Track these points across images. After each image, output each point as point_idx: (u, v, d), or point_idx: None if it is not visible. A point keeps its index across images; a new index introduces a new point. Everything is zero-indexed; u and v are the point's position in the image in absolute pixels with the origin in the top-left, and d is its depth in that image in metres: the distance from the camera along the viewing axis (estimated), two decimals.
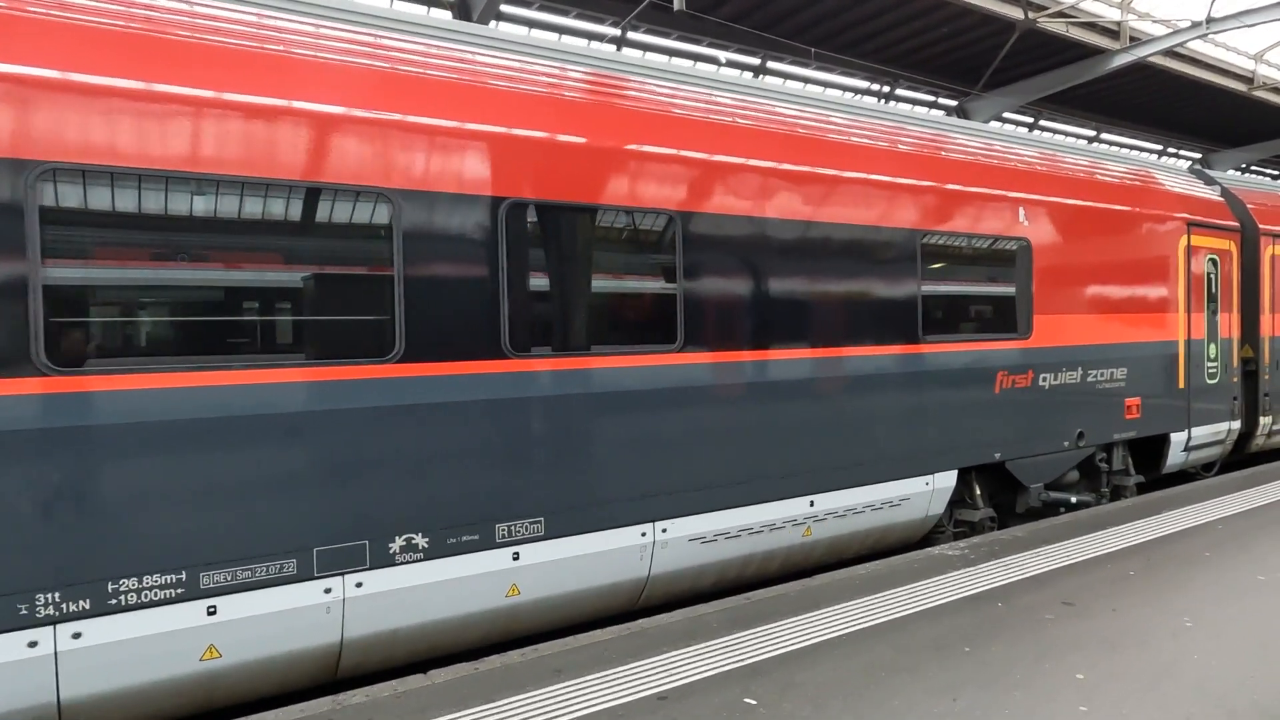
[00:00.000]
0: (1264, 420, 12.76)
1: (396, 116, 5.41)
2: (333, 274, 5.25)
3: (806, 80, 23.27)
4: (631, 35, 20.08)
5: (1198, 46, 24.98)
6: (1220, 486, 10.27)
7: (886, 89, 24.64)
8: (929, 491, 8.33)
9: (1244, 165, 35.41)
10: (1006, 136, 9.66)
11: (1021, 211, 9.11)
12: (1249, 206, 12.73)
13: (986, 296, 8.88)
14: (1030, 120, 28.75)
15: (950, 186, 8.46)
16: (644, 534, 6.47)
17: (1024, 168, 9.38)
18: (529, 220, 5.92)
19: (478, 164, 5.68)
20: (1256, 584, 6.38)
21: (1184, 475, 12.78)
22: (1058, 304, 9.48)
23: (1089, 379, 9.85)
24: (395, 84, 5.53)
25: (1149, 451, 11.14)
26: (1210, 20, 20.58)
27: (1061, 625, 5.58)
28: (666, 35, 21.51)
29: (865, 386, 7.74)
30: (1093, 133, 30.89)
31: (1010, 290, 9.08)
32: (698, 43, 21.85)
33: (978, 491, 9.07)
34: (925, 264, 8.23)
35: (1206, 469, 13.20)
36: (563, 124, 6.12)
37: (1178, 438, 11.10)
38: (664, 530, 6.57)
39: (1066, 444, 9.64)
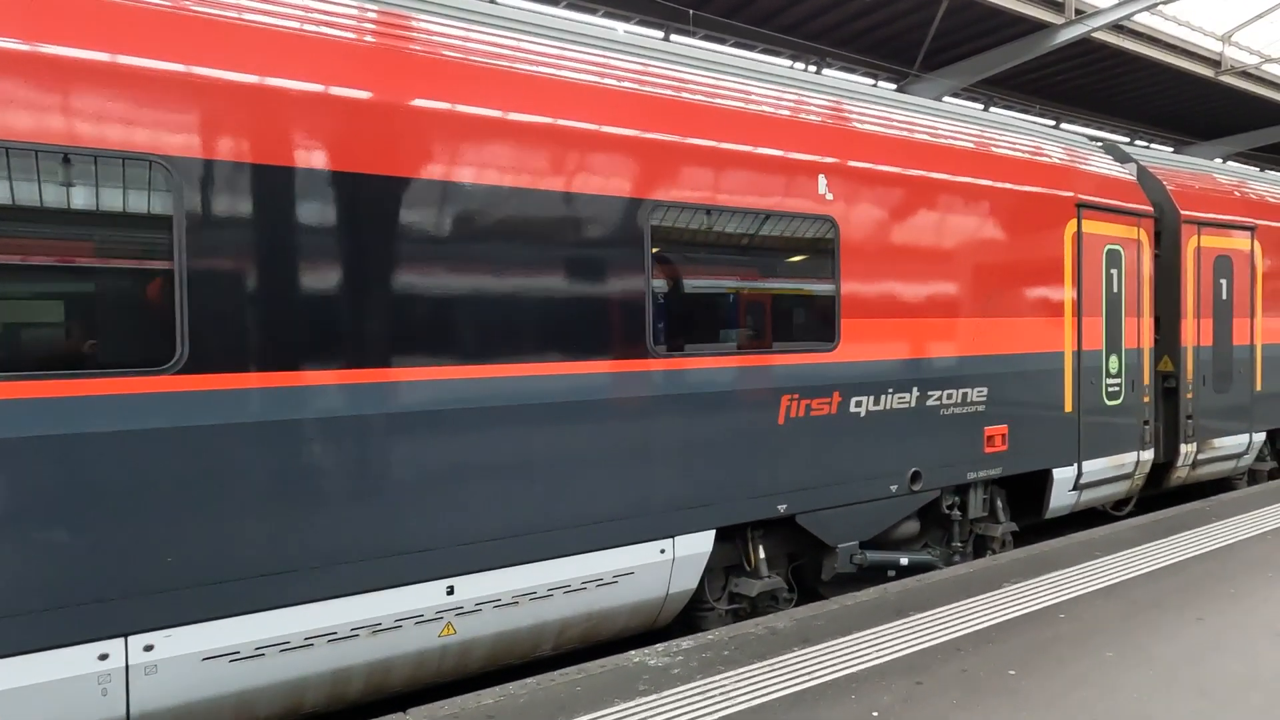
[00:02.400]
0: (1186, 448, 10.42)
1: None
2: None
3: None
4: (507, 0, 17.80)
5: (1159, 25, 22.72)
6: (1102, 542, 7.93)
7: (813, 68, 22.36)
8: (666, 561, 6.01)
9: (1223, 158, 33.05)
10: (802, 81, 7.31)
11: (823, 181, 6.78)
12: (1169, 188, 10.39)
13: (765, 293, 6.56)
14: (981, 106, 26.43)
15: (702, 142, 6.13)
16: (105, 656, 4.15)
17: (832, 123, 7.05)
18: None
19: None
20: None
21: (1095, 516, 10.46)
22: (881, 305, 7.15)
23: (929, 402, 7.52)
24: None
25: (1036, 490, 8.82)
26: None
27: None
28: (555, 2, 19.25)
29: (548, 419, 5.42)
30: (1052, 121, 28.59)
31: (806, 285, 6.77)
32: (593, 13, 19.60)
33: (760, 555, 6.75)
34: (660, 248, 5.92)
35: (1120, 507, 10.87)
36: None
37: (1063, 474, 8.76)
38: (148, 649, 4.25)
39: (895, 488, 7.32)
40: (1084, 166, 9.16)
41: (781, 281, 6.62)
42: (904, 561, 7.45)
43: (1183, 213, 10.25)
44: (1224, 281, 10.76)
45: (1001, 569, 7.07)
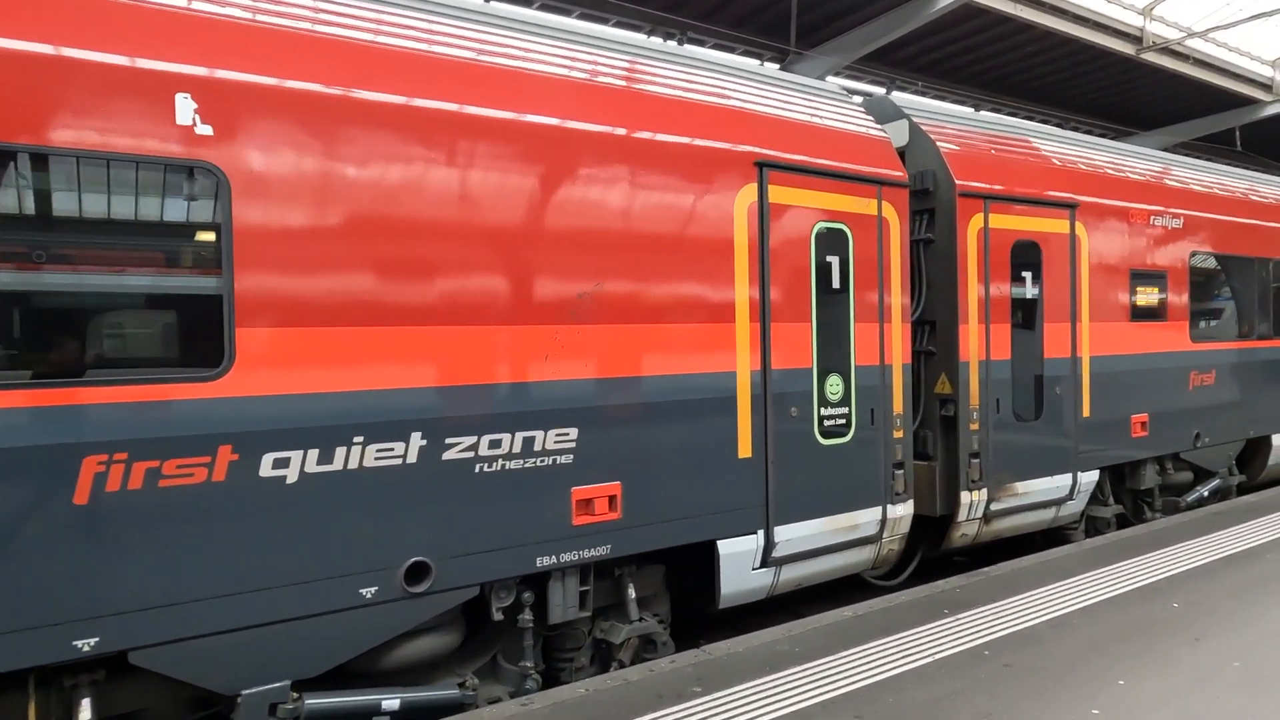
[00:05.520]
0: (971, 497, 7.69)
1: None
2: None
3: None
4: None
5: None
6: (730, 664, 5.16)
7: (673, 42, 19.72)
8: None
9: (1166, 149, 30.34)
10: None
11: (187, 106, 4.11)
12: (943, 150, 7.70)
13: (41, 291, 3.90)
14: (883, 90, 23.76)
15: None
16: None
17: (213, 13, 4.38)
18: None
19: None
20: None
21: (860, 585, 7.78)
22: (328, 306, 4.45)
23: (448, 455, 4.82)
24: None
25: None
26: None
27: None
28: None
29: None
30: (971, 109, 25.89)
31: (147, 278, 4.11)
32: None
33: (84, 714, 4.07)
34: None
35: (895, 573, 8.17)
36: None
37: (737, 546, 6.04)
38: None
39: (372, 591, 4.61)
40: (774, 111, 6.47)
41: (84, 271, 3.95)
42: (391, 705, 4.75)
43: (959, 183, 7.55)
44: (1029, 275, 8.06)
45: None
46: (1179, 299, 9.53)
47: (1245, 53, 24.29)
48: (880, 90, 24.47)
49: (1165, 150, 30.25)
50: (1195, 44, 22.56)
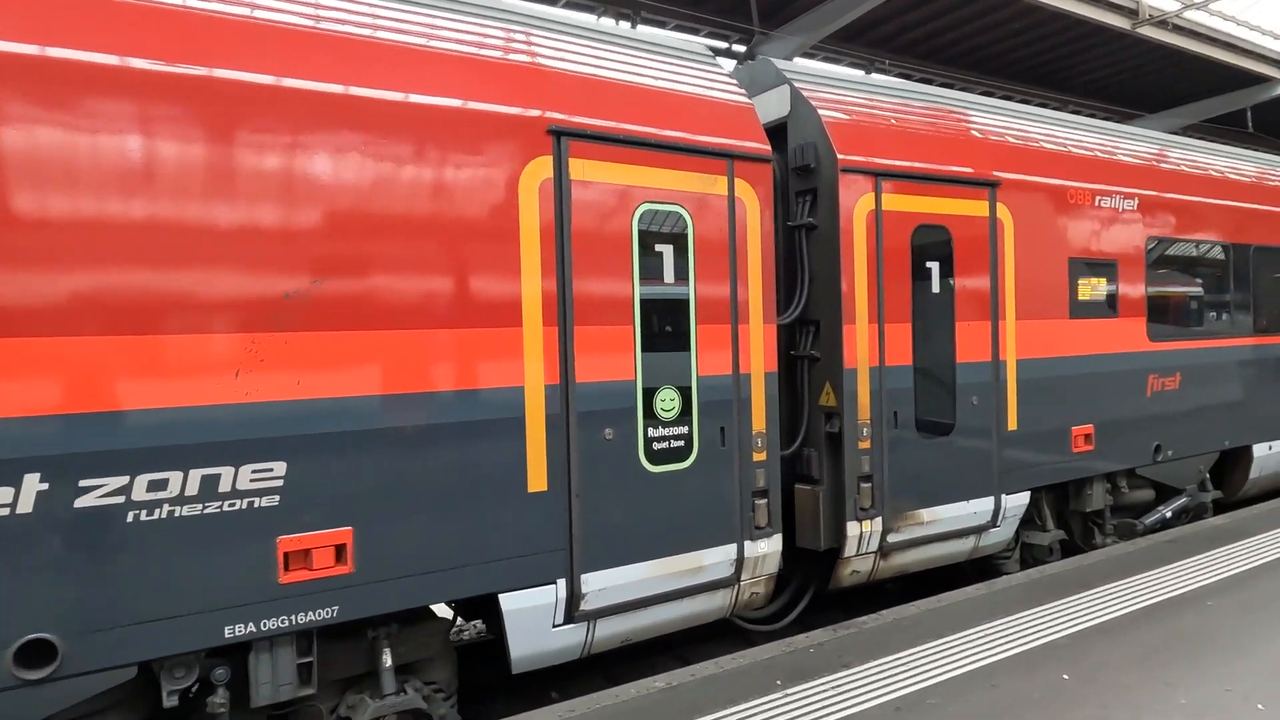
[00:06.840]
0: (860, 529, 6.50)
1: None
2: None
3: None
4: None
5: None
6: None
7: (626, 24, 18.57)
8: None
9: (1176, 132, 28.69)
10: None
11: None
12: (825, 120, 6.51)
13: None
14: (861, 71, 22.45)
15: None
16: None
17: None
18: None
19: None
20: None
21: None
22: None
23: (91, 500, 3.73)
24: None
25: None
26: None
27: None
28: None
29: None
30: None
31: None
32: None
33: None
34: None
35: (784, 613, 7.03)
36: None
37: (524, 600, 4.93)
38: None
39: None
40: (584, 70, 5.32)
41: None
42: None
43: (842, 157, 6.35)
44: (935, 265, 6.86)
45: None
46: (1133, 291, 8.26)
47: (1255, 26, 22.61)
48: (859, 73, 23.15)
49: (1174, 134, 28.58)
50: (1198, 18, 20.99)
